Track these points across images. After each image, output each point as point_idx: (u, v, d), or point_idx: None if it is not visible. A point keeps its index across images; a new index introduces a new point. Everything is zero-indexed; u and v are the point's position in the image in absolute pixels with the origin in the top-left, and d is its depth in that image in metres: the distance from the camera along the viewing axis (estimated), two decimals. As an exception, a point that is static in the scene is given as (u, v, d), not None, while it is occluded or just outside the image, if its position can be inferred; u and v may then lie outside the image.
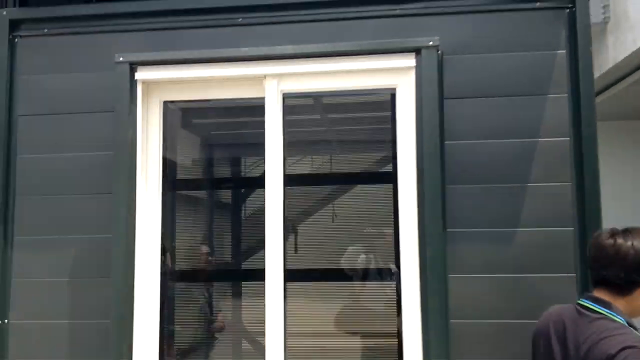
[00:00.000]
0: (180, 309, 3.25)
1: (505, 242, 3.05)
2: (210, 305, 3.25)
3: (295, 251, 3.16)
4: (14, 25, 3.45)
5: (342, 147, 3.24)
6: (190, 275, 3.27)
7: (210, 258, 3.30)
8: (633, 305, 2.27)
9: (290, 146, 3.19)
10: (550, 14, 3.14)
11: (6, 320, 3.25)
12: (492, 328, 3.01)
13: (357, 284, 3.15)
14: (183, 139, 3.39)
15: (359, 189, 3.26)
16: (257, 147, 3.10)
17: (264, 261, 3.05)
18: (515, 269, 3.04)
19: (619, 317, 2.22)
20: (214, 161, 3.42)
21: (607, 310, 2.25)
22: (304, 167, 3.26)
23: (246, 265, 3.22)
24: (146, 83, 3.25)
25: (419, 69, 3.03)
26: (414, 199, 3.03)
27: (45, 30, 3.45)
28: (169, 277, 3.29)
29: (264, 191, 3.10)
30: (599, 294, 2.33)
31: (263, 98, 3.17)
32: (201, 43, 3.30)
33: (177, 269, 3.28)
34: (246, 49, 3.17)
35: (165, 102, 3.30)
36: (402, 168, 3.08)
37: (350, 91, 3.20)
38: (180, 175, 3.33)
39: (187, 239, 3.28)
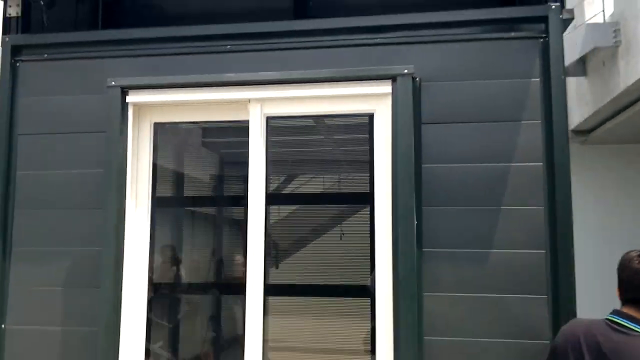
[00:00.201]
0: (167, 320, 3.38)
1: (479, 262, 3.15)
2: (195, 316, 3.38)
3: (276, 267, 3.27)
4: (16, 50, 3.65)
5: (324, 167, 3.36)
6: (176, 288, 3.40)
7: (196, 272, 3.43)
8: None
9: (273, 166, 3.32)
10: (524, 44, 3.25)
11: (3, 326, 3.41)
12: (465, 346, 3.10)
13: (334, 300, 3.26)
14: (175, 158, 3.54)
15: (340, 208, 3.38)
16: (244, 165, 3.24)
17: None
18: (488, 289, 3.13)
19: None
20: (204, 179, 3.57)
21: None
22: (287, 186, 3.39)
23: (230, 279, 3.34)
24: (137, 106, 3.41)
25: (394, 95, 3.15)
26: (389, 219, 3.13)
27: (45, 56, 3.65)
28: (159, 288, 3.43)
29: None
30: (629, 311, 2.52)
31: (248, 121, 3.30)
32: (190, 68, 3.46)
33: (164, 281, 3.41)
34: (231, 74, 3.32)
35: (155, 123, 3.45)
36: (378, 189, 3.19)
37: (330, 115, 3.32)
38: (171, 192, 3.48)
39: (176, 253, 3.42)
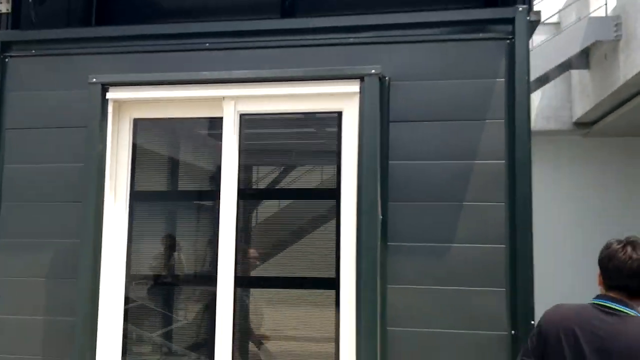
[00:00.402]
0: (143, 310, 3.52)
1: (441, 256, 3.26)
2: (168, 307, 3.52)
3: (247, 259, 3.40)
4: (6, 46, 3.79)
5: (295, 162, 3.48)
6: (152, 279, 3.54)
7: (171, 264, 3.56)
8: (638, 304, 2.68)
9: (246, 160, 3.44)
10: (491, 45, 3.34)
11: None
12: (427, 336, 3.21)
13: (301, 291, 3.38)
14: (155, 153, 3.67)
15: (308, 203, 3.50)
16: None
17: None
18: (450, 282, 3.25)
19: (638, 314, 2.63)
20: (180, 174, 3.70)
21: (633, 311, 2.63)
22: (259, 181, 3.51)
23: (203, 271, 3.48)
24: (117, 102, 3.53)
25: (362, 94, 3.25)
26: (354, 214, 3.24)
27: (33, 52, 3.78)
28: (138, 280, 3.57)
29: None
30: (617, 295, 2.68)
31: (222, 117, 3.42)
32: (170, 66, 3.58)
33: (141, 272, 3.55)
34: (206, 72, 3.43)
35: (135, 119, 3.57)
36: (344, 185, 3.30)
37: (301, 113, 3.43)
38: (150, 186, 3.61)
39: (152, 246, 3.55)
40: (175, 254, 3.59)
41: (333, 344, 3.24)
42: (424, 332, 3.22)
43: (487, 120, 3.30)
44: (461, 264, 3.23)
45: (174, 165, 3.70)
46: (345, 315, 3.23)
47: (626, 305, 2.66)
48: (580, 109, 10.44)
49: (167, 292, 3.60)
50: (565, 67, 9.57)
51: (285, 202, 3.53)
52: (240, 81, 3.38)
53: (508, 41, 3.31)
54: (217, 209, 3.34)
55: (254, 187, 3.53)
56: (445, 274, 3.24)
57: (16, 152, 3.70)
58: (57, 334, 3.47)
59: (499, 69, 3.31)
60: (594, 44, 9.25)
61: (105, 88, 3.50)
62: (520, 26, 3.27)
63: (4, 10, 3.84)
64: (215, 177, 3.42)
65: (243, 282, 3.35)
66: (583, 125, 10.79)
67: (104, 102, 3.49)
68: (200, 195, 3.62)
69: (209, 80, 3.42)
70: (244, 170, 3.42)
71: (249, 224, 3.46)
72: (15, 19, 3.92)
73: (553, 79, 9.66)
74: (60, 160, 3.63)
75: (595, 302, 2.72)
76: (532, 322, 3.11)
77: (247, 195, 3.42)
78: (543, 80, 9.49)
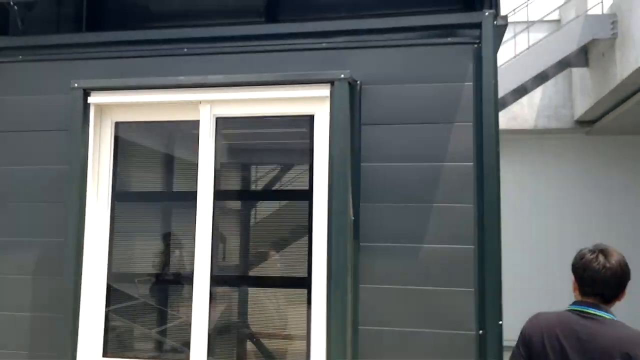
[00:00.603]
0: (125, 307, 3.64)
1: (412, 256, 3.34)
2: (149, 304, 3.63)
3: (223, 259, 3.50)
4: (-6, 52, 3.91)
5: (269, 164, 3.58)
6: (133, 277, 3.65)
7: (152, 262, 3.67)
8: (611, 307, 2.93)
9: (222, 161, 3.54)
10: (459, 49, 3.41)
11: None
12: (398, 335, 3.30)
13: (274, 290, 3.48)
14: (136, 155, 3.78)
15: (282, 204, 3.59)
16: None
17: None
18: (420, 282, 3.32)
19: (613, 317, 2.86)
20: (160, 175, 3.81)
21: (608, 314, 2.86)
22: (234, 182, 3.61)
23: (181, 270, 3.58)
24: (99, 106, 3.65)
25: (332, 98, 3.33)
26: (325, 214, 3.33)
27: (20, 57, 3.90)
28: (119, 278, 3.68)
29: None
30: (593, 301, 2.90)
31: (198, 121, 3.52)
32: (150, 70, 3.69)
33: (123, 271, 3.67)
34: (183, 77, 3.53)
35: (116, 122, 3.68)
36: (317, 187, 3.39)
37: (274, 116, 3.52)
38: (131, 187, 3.72)
39: (134, 245, 3.67)
40: (157, 252, 3.70)
41: (304, 342, 3.33)
42: (394, 331, 3.31)
43: (455, 123, 3.37)
44: (431, 264, 3.31)
45: (154, 167, 3.81)
46: (317, 314, 3.32)
47: (602, 310, 2.86)
48: (581, 107, 10.46)
49: (148, 289, 3.71)
50: (564, 65, 9.59)
51: (260, 203, 3.63)
52: (215, 86, 3.48)
53: (475, 45, 3.38)
54: (194, 209, 3.45)
55: (229, 188, 3.62)
56: (415, 274, 3.32)
57: (5, 154, 3.81)
58: (41, 330, 3.59)
59: (467, 73, 3.38)
60: (592, 42, 9.27)
61: (87, 93, 3.61)
62: (487, 31, 3.34)
63: (-8, 17, 3.96)
64: (193, 178, 3.51)
65: (218, 281, 3.45)
66: (585, 123, 10.80)
67: (86, 106, 3.61)
68: (180, 195, 3.73)
69: (186, 85, 3.52)
70: (220, 171, 3.52)
71: (225, 224, 3.56)
72: (4, 25, 4.04)
73: (552, 76, 9.69)
74: (46, 162, 3.74)
75: (574, 308, 2.92)
76: (500, 322, 3.19)
77: (223, 196, 3.52)
78: (542, 78, 9.52)
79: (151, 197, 3.79)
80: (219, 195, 3.48)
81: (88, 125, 3.61)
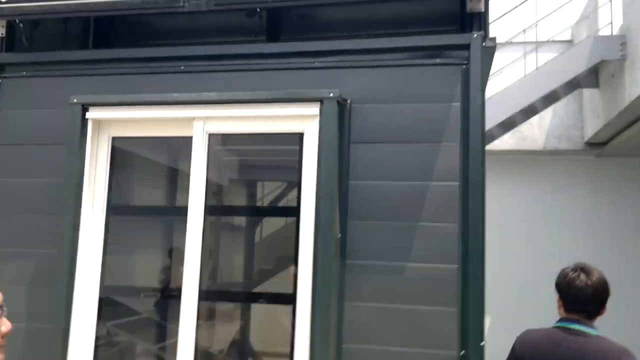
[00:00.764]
0: (116, 320, 3.71)
1: (397, 274, 3.37)
2: (141, 317, 3.69)
3: (211, 274, 3.56)
4: (0, 68, 4.03)
5: (259, 180, 3.64)
6: (126, 290, 3.72)
7: (145, 275, 3.74)
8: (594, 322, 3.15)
9: (214, 177, 3.61)
10: (448, 70, 3.46)
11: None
12: (381, 353, 3.32)
13: (260, 306, 3.52)
14: (131, 169, 3.87)
15: (271, 220, 3.65)
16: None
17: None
18: (404, 301, 3.35)
19: (597, 332, 3.07)
20: (154, 190, 3.89)
21: (592, 330, 3.08)
22: (225, 198, 3.67)
23: (171, 284, 3.64)
24: (97, 121, 3.74)
25: (321, 116, 3.40)
26: (312, 231, 3.38)
27: (24, 73, 4.02)
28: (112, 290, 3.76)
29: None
30: (578, 317, 3.12)
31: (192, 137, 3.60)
32: (146, 88, 3.78)
33: (116, 283, 3.74)
34: (177, 94, 3.62)
35: (113, 137, 3.78)
36: (304, 203, 3.44)
37: (266, 134, 3.60)
38: (126, 201, 3.80)
39: (127, 258, 3.74)
40: (150, 266, 3.78)
41: (287, 359, 3.37)
42: (378, 350, 3.33)
43: (442, 143, 3.41)
44: (415, 282, 3.34)
45: (149, 182, 3.89)
46: (301, 331, 3.36)
47: (587, 326, 3.06)
48: (591, 129, 10.41)
49: (141, 302, 3.78)
50: (574, 85, 9.57)
51: (250, 219, 3.69)
52: (209, 102, 3.56)
53: (463, 66, 3.43)
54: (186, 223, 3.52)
55: (221, 203, 3.69)
56: (399, 292, 3.35)
57: (5, 167, 3.92)
58: (32, 340, 3.66)
59: (455, 94, 3.42)
60: (602, 63, 9.25)
61: (85, 108, 3.71)
62: (475, 52, 3.39)
63: (-1, 34, 4.09)
64: (186, 193, 3.59)
65: (206, 296, 3.51)
66: (595, 145, 10.74)
67: (84, 121, 3.70)
68: (173, 210, 3.80)
69: (180, 101, 3.60)
70: (212, 187, 3.59)
71: (215, 239, 3.62)
72: (11, 42, 4.16)
73: (562, 97, 9.67)
74: (45, 174, 3.84)
75: (561, 325, 3.11)
76: (482, 343, 3.21)
77: (214, 211, 3.58)
78: (552, 98, 9.51)
79: (145, 211, 3.87)
80: (210, 210, 3.55)
81: (85, 139, 3.70)
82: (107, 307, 3.68)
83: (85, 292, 3.64)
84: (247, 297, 3.54)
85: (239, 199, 3.67)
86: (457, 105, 3.42)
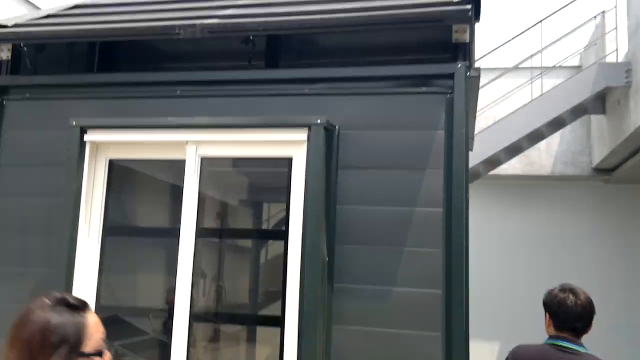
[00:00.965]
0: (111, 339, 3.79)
1: (382, 299, 3.43)
2: (134, 336, 3.77)
3: (203, 295, 3.65)
4: (3, 90, 4.18)
5: (249, 205, 3.73)
6: (121, 309, 3.81)
7: (140, 295, 3.83)
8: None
9: (206, 200, 3.72)
10: (433, 98, 3.54)
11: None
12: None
13: (250, 328, 3.60)
14: (127, 190, 3.98)
15: (261, 243, 3.74)
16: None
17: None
18: (390, 324, 3.41)
19: (587, 350, 3.26)
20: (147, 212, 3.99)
21: (582, 348, 3.27)
22: (216, 220, 3.77)
23: (162, 304, 3.73)
24: (94, 143, 3.87)
25: (309, 142, 3.49)
26: (299, 255, 3.46)
27: (27, 95, 4.16)
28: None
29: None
30: (568, 335, 3.31)
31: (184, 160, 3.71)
32: (143, 111, 3.90)
33: (111, 303, 3.84)
34: (171, 118, 3.74)
35: (110, 160, 3.90)
36: (292, 227, 3.53)
37: (256, 158, 3.70)
38: (122, 221, 3.91)
39: (122, 277, 3.84)
40: (145, 286, 3.87)
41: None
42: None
43: (427, 169, 3.48)
44: (400, 306, 3.39)
45: (144, 204, 4.00)
46: (289, 353, 3.42)
47: (576, 344, 3.26)
48: (598, 155, 10.43)
49: (135, 322, 3.86)
50: (580, 111, 9.62)
51: (240, 242, 3.77)
52: (201, 127, 3.67)
53: (448, 95, 3.51)
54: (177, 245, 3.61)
55: (212, 225, 3.79)
56: (385, 316, 3.40)
57: (7, 187, 4.05)
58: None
59: (439, 121, 3.50)
60: (609, 89, 9.30)
61: (83, 130, 3.83)
62: (459, 81, 3.47)
63: (4, 58, 4.24)
64: (178, 215, 3.69)
65: (197, 317, 3.59)
66: (603, 171, 10.75)
67: (82, 143, 3.82)
68: (166, 231, 3.90)
69: (174, 125, 3.72)
70: (203, 209, 3.69)
71: (207, 261, 3.71)
72: (15, 64, 4.31)
73: (569, 123, 9.72)
74: (43, 195, 3.96)
75: (552, 342, 3.30)
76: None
77: (205, 233, 3.67)
78: (558, 124, 9.56)
79: (140, 232, 3.97)
80: (202, 232, 3.64)
81: (83, 161, 3.82)
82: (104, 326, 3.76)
83: (79, 309, 3.73)
84: (237, 319, 3.61)
85: (231, 222, 3.76)
86: (441, 132, 3.49)
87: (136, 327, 3.84)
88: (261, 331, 3.59)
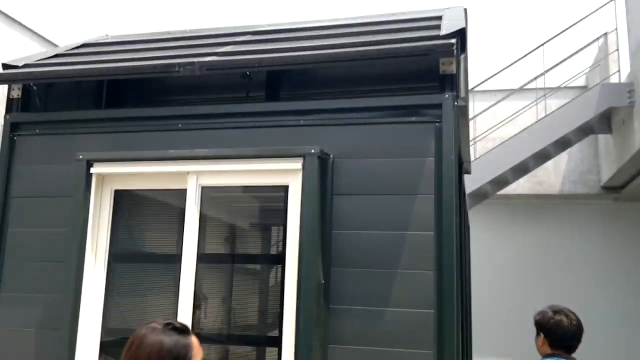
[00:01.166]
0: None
1: (376, 319, 3.56)
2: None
3: (205, 317, 3.79)
4: (15, 126, 4.39)
5: (248, 231, 3.88)
6: (127, 333, 3.95)
7: (142, 319, 3.98)
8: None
9: (206, 228, 3.88)
10: (422, 127, 3.69)
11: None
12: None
13: (250, 348, 3.73)
14: (132, 220, 4.15)
15: (259, 267, 3.88)
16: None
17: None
18: (384, 343, 3.53)
19: None
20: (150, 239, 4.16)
21: None
22: (217, 247, 3.92)
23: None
24: (100, 175, 4.05)
25: (304, 171, 3.65)
26: (295, 278, 3.60)
27: (37, 131, 4.37)
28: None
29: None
30: (562, 353, 3.66)
31: (186, 190, 3.88)
32: (146, 144, 4.08)
33: (117, 326, 3.99)
34: (173, 151, 3.91)
35: (115, 190, 4.08)
36: (289, 252, 3.67)
37: (254, 187, 3.86)
38: (126, 249, 4.08)
39: (127, 302, 4.00)
40: (148, 310, 4.02)
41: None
42: (360, 391, 3.50)
43: (418, 195, 3.62)
44: (394, 327, 3.52)
45: (148, 231, 4.16)
46: (285, 371, 3.56)
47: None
48: (606, 173, 10.48)
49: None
50: (586, 131, 9.70)
51: (238, 266, 3.92)
52: (201, 158, 3.84)
53: (436, 124, 3.65)
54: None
55: (212, 251, 3.94)
56: (379, 336, 3.53)
57: (18, 218, 4.24)
58: (40, 380, 3.92)
59: (429, 149, 3.65)
60: (614, 109, 9.38)
61: (90, 163, 4.02)
62: (447, 111, 3.62)
63: (15, 96, 4.46)
64: (181, 241, 3.85)
65: (198, 338, 3.72)
66: (612, 189, 10.79)
67: (89, 175, 4.01)
68: (169, 258, 4.06)
69: (175, 157, 3.89)
70: (204, 236, 3.84)
71: (207, 285, 3.86)
72: (25, 102, 4.53)
73: (575, 143, 9.80)
74: (53, 225, 4.14)
75: None
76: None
77: (206, 259, 3.83)
78: (564, 143, 9.64)
79: (144, 259, 4.13)
80: (202, 258, 3.80)
81: (90, 192, 4.00)
82: (109, 349, 3.91)
83: (88, 334, 3.89)
84: (237, 339, 3.75)
85: (230, 247, 3.91)
86: (431, 159, 3.64)
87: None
88: (259, 351, 3.71)
